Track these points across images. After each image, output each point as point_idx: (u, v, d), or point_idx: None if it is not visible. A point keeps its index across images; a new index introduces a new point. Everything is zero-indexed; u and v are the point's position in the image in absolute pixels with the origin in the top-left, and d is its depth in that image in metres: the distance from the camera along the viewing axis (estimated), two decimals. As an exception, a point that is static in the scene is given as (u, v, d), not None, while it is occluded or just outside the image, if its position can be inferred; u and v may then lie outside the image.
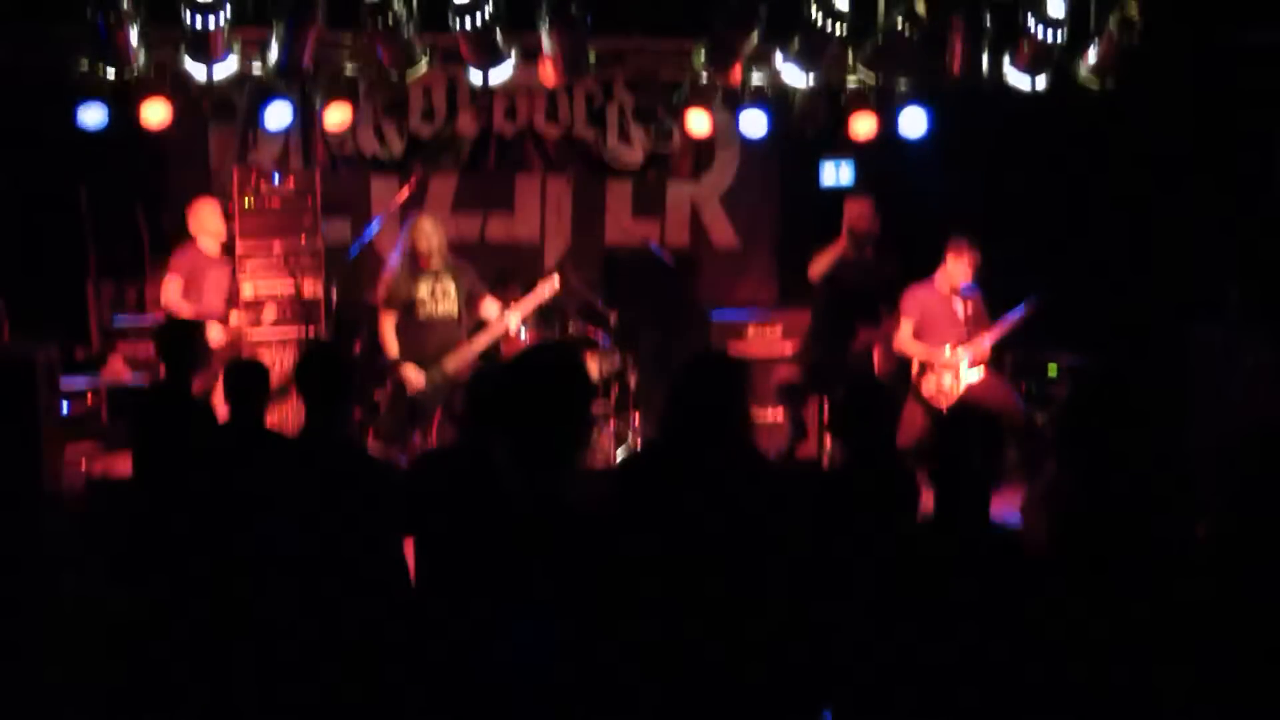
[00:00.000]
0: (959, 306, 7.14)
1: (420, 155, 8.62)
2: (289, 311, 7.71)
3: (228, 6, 6.10)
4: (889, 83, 7.34)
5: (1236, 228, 7.52)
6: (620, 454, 7.68)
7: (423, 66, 6.77)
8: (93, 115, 6.73)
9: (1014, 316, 7.12)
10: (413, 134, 8.60)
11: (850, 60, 7.22)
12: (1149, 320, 7.59)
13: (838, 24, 6.46)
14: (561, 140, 8.86)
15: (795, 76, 7.02)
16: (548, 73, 6.91)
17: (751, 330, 8.40)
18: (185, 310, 6.99)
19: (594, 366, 7.56)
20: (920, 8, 6.64)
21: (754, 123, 7.51)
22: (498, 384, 2.92)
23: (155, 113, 6.76)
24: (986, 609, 2.95)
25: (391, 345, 6.84)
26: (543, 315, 7.68)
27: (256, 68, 6.72)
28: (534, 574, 2.69)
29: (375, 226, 7.98)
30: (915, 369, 7.19)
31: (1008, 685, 2.92)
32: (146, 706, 4.20)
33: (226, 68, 6.48)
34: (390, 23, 6.30)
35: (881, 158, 7.99)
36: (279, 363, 7.54)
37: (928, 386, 7.13)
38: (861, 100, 7.41)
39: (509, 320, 7.01)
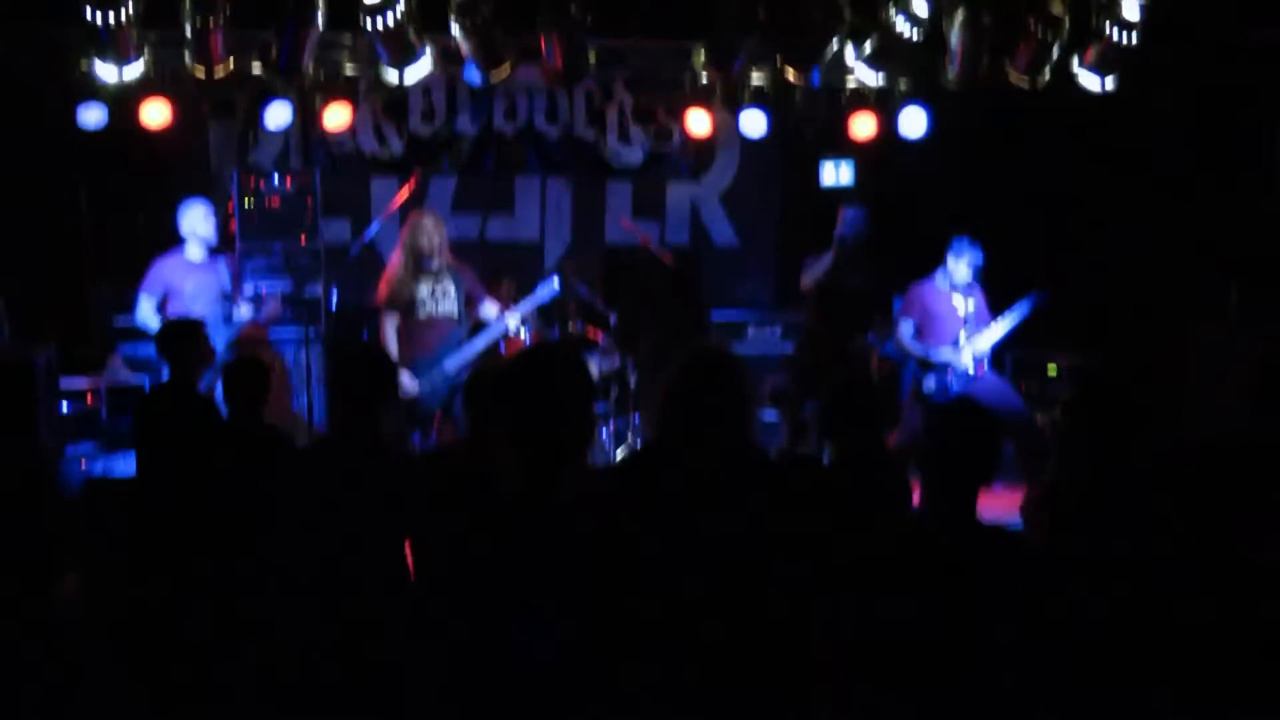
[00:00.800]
0: (960, 304, 7.13)
1: (420, 155, 8.63)
2: (289, 312, 7.71)
3: (227, 6, 6.11)
4: (889, 83, 7.35)
5: (1236, 227, 7.52)
6: (620, 454, 7.68)
7: (423, 66, 6.78)
8: (93, 115, 6.73)
9: (1015, 314, 7.12)
10: (412, 134, 8.60)
11: (850, 60, 7.22)
12: (1149, 320, 7.59)
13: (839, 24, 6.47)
14: (561, 140, 8.86)
15: (795, 77, 7.03)
16: (547, 73, 6.92)
17: (751, 330, 8.40)
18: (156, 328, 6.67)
19: (594, 367, 7.56)
20: (920, 8, 6.64)
21: (754, 123, 7.52)
22: (499, 384, 2.92)
23: (155, 113, 6.76)
24: (975, 606, 2.94)
25: (391, 346, 6.84)
26: (543, 315, 7.68)
27: (256, 68, 6.72)
28: (534, 574, 2.69)
29: (375, 226, 7.98)
30: (914, 369, 7.20)
31: (1001, 682, 2.92)
32: (147, 706, 4.19)
33: (225, 68, 6.49)
34: (390, 23, 6.31)
35: (881, 158, 7.99)
36: (278, 362, 7.53)
37: (928, 386, 7.13)
38: (861, 100, 7.41)
39: (508, 321, 7.01)
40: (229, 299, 7.04)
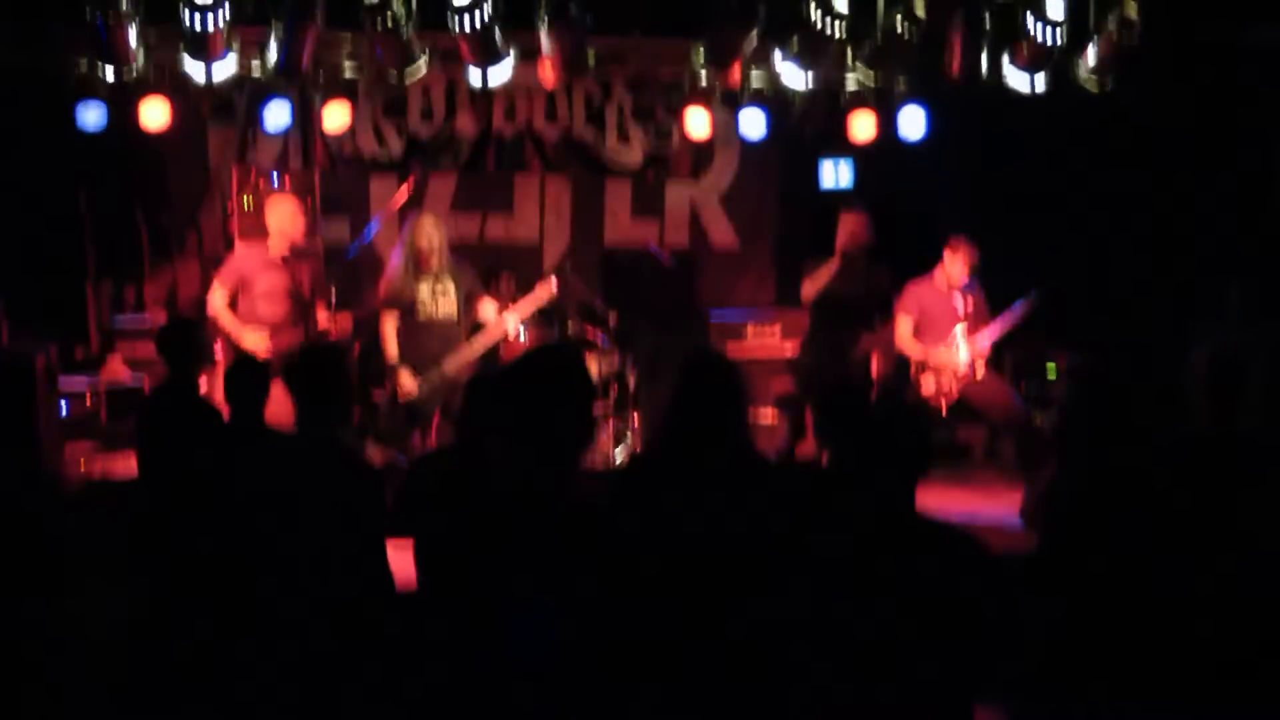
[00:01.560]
0: (958, 303, 7.13)
1: (419, 155, 8.63)
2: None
3: (227, 6, 6.11)
4: (889, 83, 7.35)
5: (1236, 227, 7.53)
6: (620, 454, 7.68)
7: (422, 66, 6.78)
8: (92, 115, 6.72)
9: (1014, 312, 7.12)
10: (412, 134, 8.61)
11: (850, 60, 7.22)
12: (1149, 320, 7.59)
13: (837, 23, 6.46)
14: (561, 140, 8.87)
15: (795, 77, 7.03)
16: (547, 73, 6.92)
17: (750, 331, 8.40)
18: (225, 320, 6.59)
19: (594, 367, 7.56)
20: (920, 8, 6.64)
21: (753, 123, 7.52)
22: (499, 386, 2.92)
23: (155, 113, 6.76)
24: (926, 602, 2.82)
25: (391, 347, 6.82)
26: (542, 316, 7.68)
27: (256, 68, 6.72)
28: (533, 575, 2.69)
29: (375, 226, 7.98)
30: (914, 369, 7.19)
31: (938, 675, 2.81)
32: (148, 706, 4.20)
33: (226, 68, 6.48)
34: (390, 23, 6.31)
35: (881, 158, 7.99)
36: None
37: (927, 386, 7.13)
38: (861, 100, 7.41)
39: (507, 322, 7.00)
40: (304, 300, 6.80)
